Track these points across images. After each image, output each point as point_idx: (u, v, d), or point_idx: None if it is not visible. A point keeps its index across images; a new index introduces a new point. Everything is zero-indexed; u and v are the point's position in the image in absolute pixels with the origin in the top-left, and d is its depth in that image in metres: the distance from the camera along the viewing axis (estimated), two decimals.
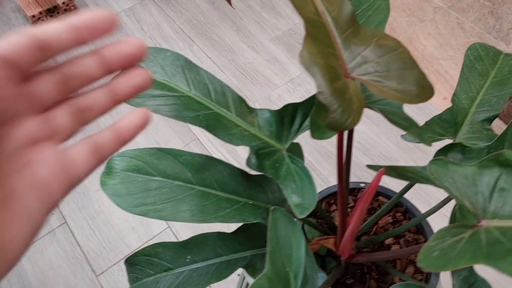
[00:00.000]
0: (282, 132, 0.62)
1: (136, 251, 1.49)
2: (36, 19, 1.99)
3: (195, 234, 0.70)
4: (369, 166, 0.59)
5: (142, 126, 0.29)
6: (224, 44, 1.94)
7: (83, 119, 0.29)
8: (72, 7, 2.05)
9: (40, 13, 1.98)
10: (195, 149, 1.64)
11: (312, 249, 0.71)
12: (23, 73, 0.25)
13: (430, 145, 0.53)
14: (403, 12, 2.01)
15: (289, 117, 0.62)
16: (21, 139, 0.26)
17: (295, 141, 0.65)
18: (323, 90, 0.44)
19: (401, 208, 0.84)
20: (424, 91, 0.49)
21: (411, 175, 0.60)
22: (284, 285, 0.53)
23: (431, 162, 0.50)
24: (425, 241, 0.80)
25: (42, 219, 0.26)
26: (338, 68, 0.47)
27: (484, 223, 0.47)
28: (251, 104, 1.75)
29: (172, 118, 0.58)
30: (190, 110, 0.59)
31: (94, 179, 1.45)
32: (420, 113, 1.71)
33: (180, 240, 1.42)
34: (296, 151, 0.66)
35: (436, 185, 0.50)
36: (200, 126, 0.59)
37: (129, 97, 0.29)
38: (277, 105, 1.74)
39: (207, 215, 0.61)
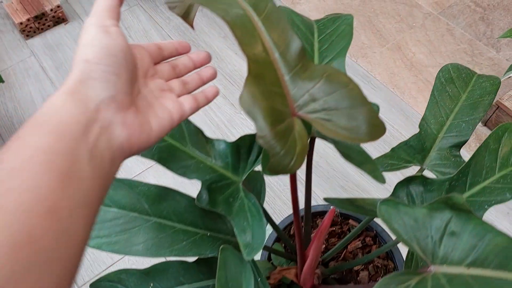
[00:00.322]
0: (239, 164, 0.60)
1: (117, 262, 1.47)
2: (24, 26, 1.97)
3: None
4: (326, 199, 0.58)
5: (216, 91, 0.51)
6: (211, 51, 1.92)
7: (186, 88, 0.49)
8: (60, 14, 2.04)
9: (28, 20, 1.97)
10: None
11: (275, 279, 0.69)
12: (153, 59, 0.47)
13: (383, 182, 0.51)
14: (392, 18, 1.99)
15: (245, 148, 0.60)
16: (155, 85, 0.45)
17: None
18: (263, 134, 0.42)
19: (371, 232, 0.83)
20: (375, 130, 0.47)
21: (370, 208, 0.59)
22: None
23: (381, 202, 0.48)
24: (394, 267, 0.79)
25: (165, 131, 0.43)
26: (283, 108, 0.46)
27: (433, 268, 0.45)
28: (237, 111, 1.74)
29: None
30: None
31: None
32: (408, 122, 1.69)
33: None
34: (258, 180, 0.65)
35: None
36: (152, 159, 0.58)
37: (209, 81, 0.51)
38: None
39: (161, 249, 0.59)
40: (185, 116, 0.46)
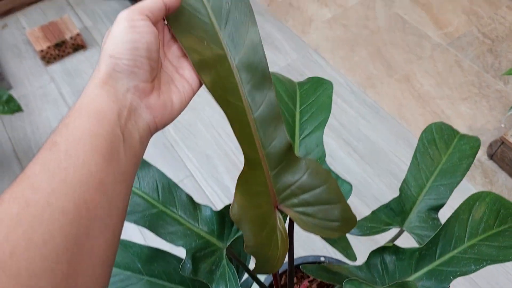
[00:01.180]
0: (223, 231, 0.65)
1: None
2: (44, 53, 2.06)
3: None
4: (304, 267, 0.62)
5: None
6: None
7: None
8: (79, 41, 2.12)
9: (48, 47, 2.05)
10: (188, 185, 1.69)
11: None
12: (162, 21, 0.49)
13: (355, 260, 0.56)
14: (401, 49, 2.02)
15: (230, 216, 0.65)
16: (173, 54, 0.49)
17: None
18: (250, 244, 0.47)
19: None
20: (346, 224, 0.52)
21: (346, 276, 0.63)
22: None
23: (346, 281, 0.53)
24: None
25: (186, 100, 0.48)
26: (267, 208, 0.50)
27: None
28: None
29: None
30: (135, 212, 0.63)
31: None
32: (409, 150, 1.72)
33: None
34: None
35: None
36: (143, 226, 0.63)
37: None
38: None
39: None
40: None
